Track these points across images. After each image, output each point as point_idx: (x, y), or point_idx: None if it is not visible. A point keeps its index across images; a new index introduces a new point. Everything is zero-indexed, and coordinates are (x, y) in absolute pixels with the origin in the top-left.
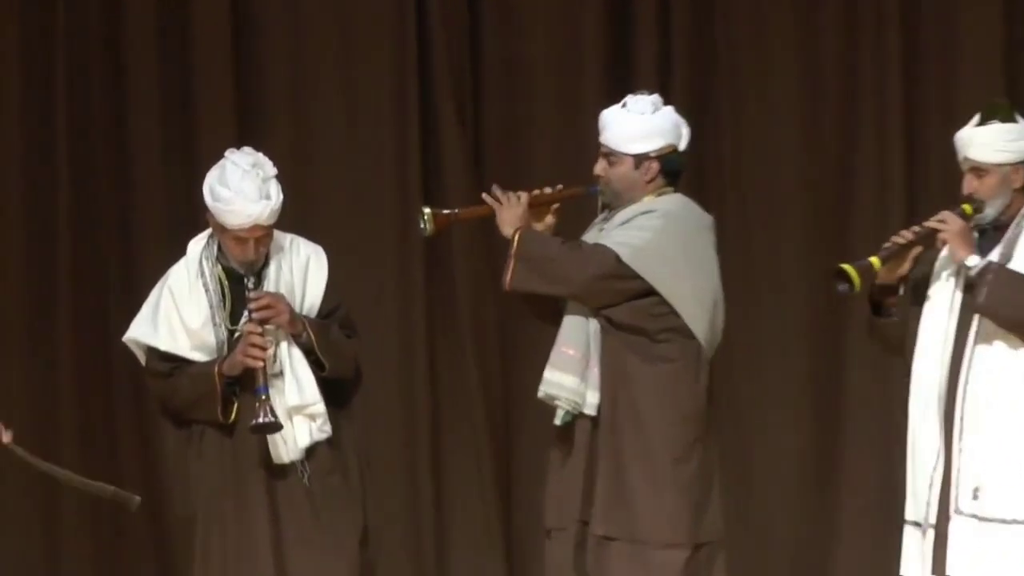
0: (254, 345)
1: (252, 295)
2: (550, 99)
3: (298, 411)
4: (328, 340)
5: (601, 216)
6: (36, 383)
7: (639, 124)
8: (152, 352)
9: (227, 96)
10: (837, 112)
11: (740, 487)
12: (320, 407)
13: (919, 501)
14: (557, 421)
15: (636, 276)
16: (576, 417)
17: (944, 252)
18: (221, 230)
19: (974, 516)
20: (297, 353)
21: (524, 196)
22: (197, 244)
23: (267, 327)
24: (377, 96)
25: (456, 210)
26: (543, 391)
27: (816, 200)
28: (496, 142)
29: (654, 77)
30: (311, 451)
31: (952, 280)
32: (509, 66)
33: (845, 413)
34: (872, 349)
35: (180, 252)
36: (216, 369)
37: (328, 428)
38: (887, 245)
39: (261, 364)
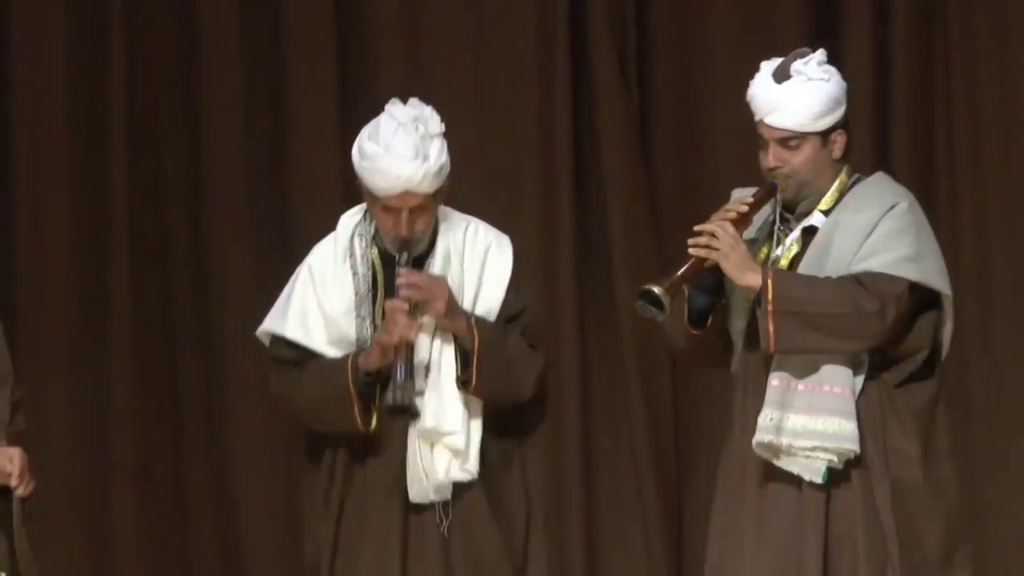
0: (396, 323)
1: (403, 270)
2: (734, 51)
3: (432, 437)
4: (499, 349)
5: (764, 222)
6: (84, 405)
7: (822, 94)
8: (278, 342)
9: (327, 44)
10: None
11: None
12: (459, 440)
13: None
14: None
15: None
16: None
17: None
18: (371, 199)
19: None
20: (448, 363)
21: (730, 227)
22: (351, 219)
23: (417, 314)
24: (515, 44)
25: (676, 274)
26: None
27: None
28: (666, 107)
29: (868, 26)
30: (460, 493)
31: None
32: (684, 9)
33: None
34: None
35: (263, 245)
36: (350, 361)
37: (474, 468)
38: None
39: (401, 342)
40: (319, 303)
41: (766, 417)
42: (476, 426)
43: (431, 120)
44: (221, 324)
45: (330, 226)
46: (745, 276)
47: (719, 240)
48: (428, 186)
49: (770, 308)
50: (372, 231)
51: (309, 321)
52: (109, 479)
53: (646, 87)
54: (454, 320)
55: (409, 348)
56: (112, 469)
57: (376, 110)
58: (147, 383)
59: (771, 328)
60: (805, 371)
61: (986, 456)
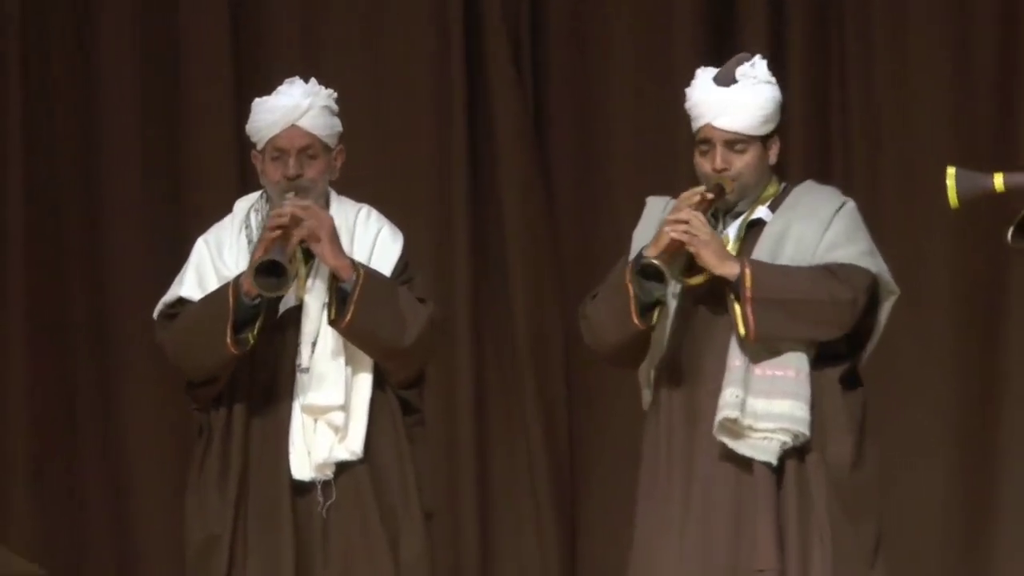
0: (275, 215)
1: (288, 197)
2: (631, 46)
3: (315, 413)
4: (382, 290)
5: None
6: None
7: (771, 97)
8: (172, 305)
9: (222, 42)
10: (993, 69)
11: None
12: (341, 417)
13: None
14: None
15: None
16: None
17: None
18: (263, 157)
19: None
20: (331, 333)
21: (702, 216)
22: (246, 200)
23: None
24: (409, 35)
25: (660, 251)
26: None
27: None
28: (561, 99)
29: (764, 26)
30: (343, 475)
31: None
32: (580, 6)
33: (1002, 452)
34: None
35: (157, 240)
36: (232, 279)
37: (357, 448)
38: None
39: (278, 233)
40: (215, 267)
41: (732, 395)
42: (360, 405)
43: (325, 88)
44: (115, 318)
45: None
46: (724, 264)
47: (696, 227)
48: (315, 123)
49: (749, 296)
50: (267, 208)
51: (206, 283)
52: (3, 474)
53: (541, 79)
54: (336, 254)
55: (287, 242)
56: (6, 463)
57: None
58: (41, 376)
59: (751, 316)
60: (763, 355)
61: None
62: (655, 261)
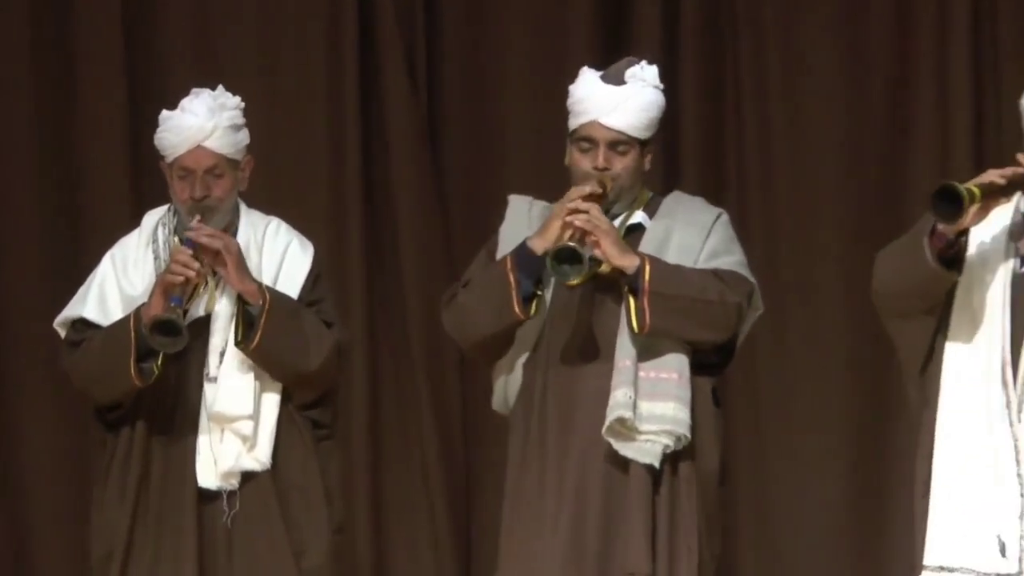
0: (178, 262)
1: (194, 223)
2: (525, 55)
3: (222, 422)
4: (288, 314)
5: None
6: None
7: (658, 102)
8: (74, 325)
9: (115, 49)
10: (886, 75)
11: (762, 546)
12: (248, 426)
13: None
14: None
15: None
16: None
17: (997, 216)
18: (170, 172)
19: None
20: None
21: (598, 206)
22: (155, 213)
23: (202, 259)
24: (304, 47)
25: (570, 237)
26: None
27: (860, 193)
28: (456, 110)
29: (657, 32)
30: (249, 483)
31: (1009, 250)
32: (474, 14)
33: (894, 454)
34: None
35: (51, 245)
36: (134, 311)
37: (265, 458)
38: (983, 181)
39: (181, 279)
40: (119, 286)
41: (624, 395)
42: (269, 415)
43: (230, 98)
44: (8, 324)
45: (118, 227)
46: (624, 256)
47: (597, 218)
48: (221, 143)
49: (647, 289)
50: (175, 222)
51: (108, 303)
52: None
53: (436, 90)
54: (243, 280)
55: (189, 283)
56: None
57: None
58: None
59: (647, 309)
60: (647, 356)
61: (776, 455)
62: (572, 244)
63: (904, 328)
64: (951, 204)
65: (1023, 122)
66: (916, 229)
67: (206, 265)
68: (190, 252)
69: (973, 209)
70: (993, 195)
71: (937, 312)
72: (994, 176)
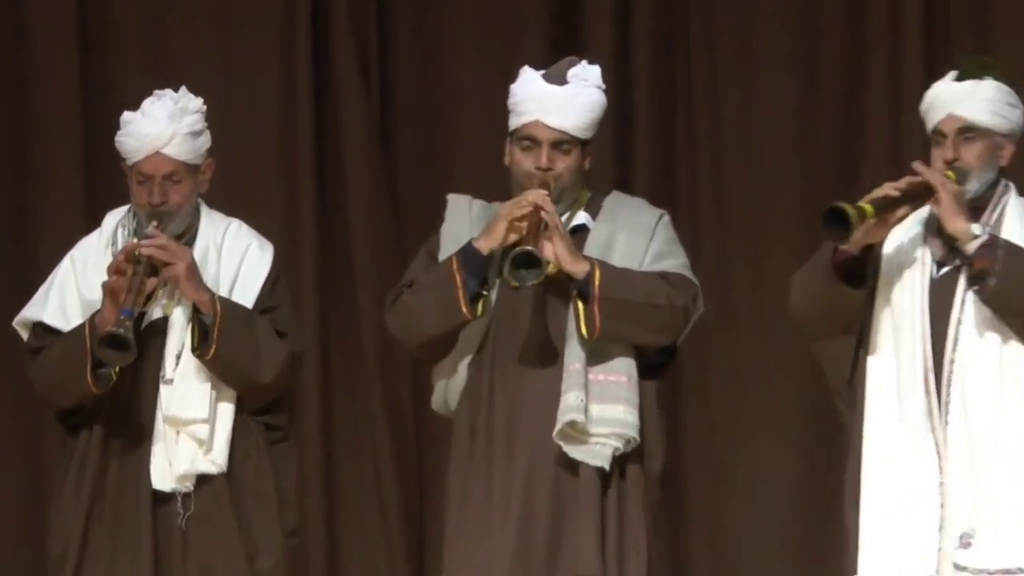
0: (110, 269)
1: (150, 230)
2: (478, 55)
3: (178, 425)
4: (242, 324)
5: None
6: None
7: (600, 102)
8: (35, 329)
9: (69, 47)
10: (839, 80)
11: (714, 548)
12: (204, 430)
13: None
14: None
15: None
16: None
17: (908, 224)
18: (130, 175)
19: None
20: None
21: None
22: (115, 214)
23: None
24: (257, 47)
25: (529, 237)
26: None
27: (812, 193)
28: (408, 111)
29: (609, 33)
30: (204, 486)
31: (923, 257)
32: (426, 15)
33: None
34: None
35: (4, 253)
36: (88, 320)
37: (220, 461)
38: (876, 196)
39: (125, 286)
40: (79, 290)
41: (576, 398)
42: (224, 418)
43: (192, 101)
44: None
45: (70, 228)
46: (576, 262)
47: (555, 218)
48: (180, 150)
49: (597, 295)
50: (135, 224)
51: (68, 307)
52: None
53: (388, 90)
54: (196, 290)
55: (138, 290)
56: None
57: (117, 112)
58: None
59: (598, 315)
60: (596, 359)
61: (728, 454)
62: (531, 248)
63: (824, 347)
64: (841, 224)
65: (927, 129)
66: (821, 251)
67: (159, 272)
68: (137, 260)
69: (866, 225)
70: (889, 208)
71: (855, 330)
72: (888, 189)
